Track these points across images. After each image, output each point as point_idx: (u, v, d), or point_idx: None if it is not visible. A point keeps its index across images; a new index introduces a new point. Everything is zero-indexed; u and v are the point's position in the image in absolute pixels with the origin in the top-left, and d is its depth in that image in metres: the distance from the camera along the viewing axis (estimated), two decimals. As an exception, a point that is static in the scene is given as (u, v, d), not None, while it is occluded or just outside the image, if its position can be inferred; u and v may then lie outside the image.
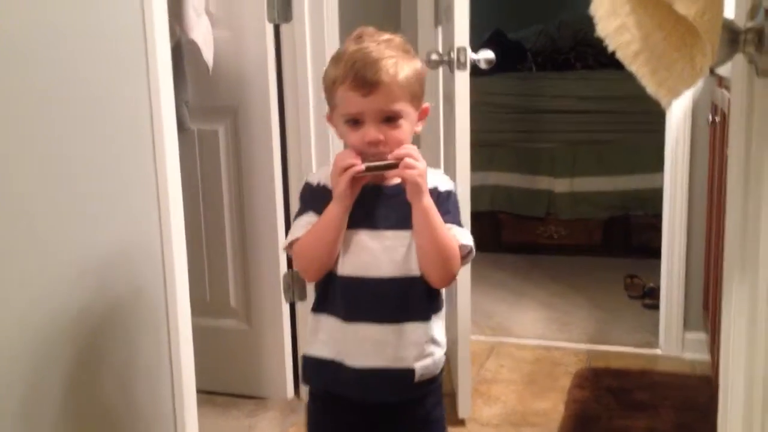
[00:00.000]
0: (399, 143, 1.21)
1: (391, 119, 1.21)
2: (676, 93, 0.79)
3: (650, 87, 0.79)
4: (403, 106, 1.21)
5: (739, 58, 0.84)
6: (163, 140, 1.58)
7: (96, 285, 1.48)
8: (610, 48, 0.79)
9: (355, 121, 1.22)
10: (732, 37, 0.78)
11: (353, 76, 1.18)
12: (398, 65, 1.20)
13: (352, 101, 1.20)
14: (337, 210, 1.23)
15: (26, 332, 1.33)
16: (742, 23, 0.83)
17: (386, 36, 1.24)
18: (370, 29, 1.26)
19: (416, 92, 1.24)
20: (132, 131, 1.56)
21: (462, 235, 1.26)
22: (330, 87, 1.24)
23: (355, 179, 1.20)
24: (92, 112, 1.46)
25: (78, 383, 1.45)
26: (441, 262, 1.23)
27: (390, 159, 1.19)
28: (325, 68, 1.27)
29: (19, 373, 1.33)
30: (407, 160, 1.18)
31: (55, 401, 1.40)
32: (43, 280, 1.36)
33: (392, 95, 1.19)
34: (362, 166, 1.19)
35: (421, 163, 1.19)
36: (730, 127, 0.91)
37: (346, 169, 1.20)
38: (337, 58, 1.24)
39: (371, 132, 1.20)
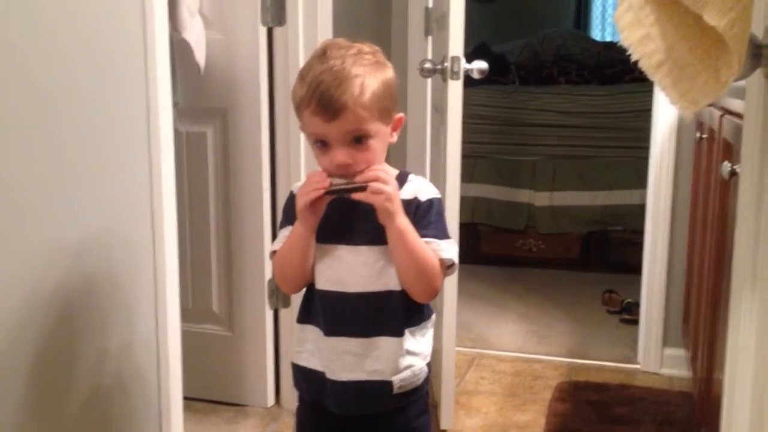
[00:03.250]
0: (369, 164, 1.18)
1: (359, 140, 1.18)
2: (697, 105, 0.79)
3: (672, 98, 0.79)
4: (372, 125, 1.17)
5: (756, 74, 0.85)
6: (159, 133, 1.58)
7: (80, 276, 1.46)
8: (633, 58, 0.79)
9: (324, 143, 1.19)
10: (754, 52, 0.78)
11: (317, 101, 1.15)
12: (364, 85, 1.15)
13: (317, 126, 1.17)
14: (300, 230, 1.22)
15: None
16: (760, 37, 0.83)
17: (354, 49, 1.18)
18: (339, 41, 1.22)
19: (386, 107, 1.20)
20: (128, 121, 1.56)
21: (443, 249, 1.23)
22: (297, 108, 1.21)
23: (318, 200, 1.18)
24: (89, 103, 1.45)
25: (50, 375, 1.41)
26: (420, 280, 1.22)
27: (357, 182, 1.17)
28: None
29: None
30: (374, 185, 1.16)
31: (26, 394, 1.37)
32: (24, 266, 1.33)
33: (358, 118, 1.15)
34: (323, 190, 1.17)
35: (389, 186, 1.16)
36: (743, 141, 0.91)
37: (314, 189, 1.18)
38: (302, 78, 1.19)
39: (339, 156, 1.17)
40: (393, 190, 1.17)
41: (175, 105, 2.10)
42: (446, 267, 1.24)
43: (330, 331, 1.26)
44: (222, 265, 2.34)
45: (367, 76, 1.16)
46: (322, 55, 1.18)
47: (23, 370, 1.34)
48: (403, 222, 1.18)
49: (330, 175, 1.19)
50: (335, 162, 1.18)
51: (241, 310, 2.34)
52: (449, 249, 1.24)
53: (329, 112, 1.14)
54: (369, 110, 1.16)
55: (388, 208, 1.17)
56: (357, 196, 1.17)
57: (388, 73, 1.22)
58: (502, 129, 4.03)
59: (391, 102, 1.22)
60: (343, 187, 1.18)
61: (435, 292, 1.24)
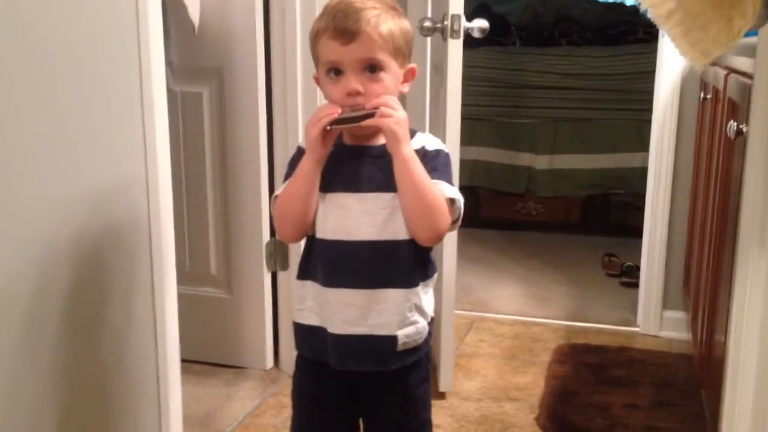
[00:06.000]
0: (379, 97, 1.18)
1: (371, 70, 1.18)
2: (709, 56, 0.75)
3: (682, 48, 0.76)
4: (385, 57, 1.18)
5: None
6: (151, 93, 1.55)
7: (73, 238, 1.44)
8: (643, 7, 0.76)
9: (337, 72, 1.19)
10: (769, 0, 0.74)
11: (334, 26, 1.17)
12: (381, 17, 1.18)
13: (332, 50, 1.18)
14: (308, 162, 1.20)
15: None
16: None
17: None
18: None
19: (400, 47, 1.21)
20: (120, 81, 1.53)
21: (449, 190, 1.22)
22: (313, 40, 1.22)
23: (328, 131, 1.18)
24: (78, 63, 1.42)
25: (45, 337, 1.41)
26: (426, 216, 1.19)
27: (366, 108, 1.17)
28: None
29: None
30: (383, 108, 1.16)
31: (20, 354, 1.36)
32: (13, 227, 1.31)
33: (373, 45, 1.17)
34: (335, 115, 1.17)
35: (398, 112, 1.16)
36: (753, 93, 0.88)
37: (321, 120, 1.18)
38: (321, 13, 1.22)
39: (351, 82, 1.18)
40: (402, 116, 1.17)
41: (169, 64, 2.06)
42: (453, 217, 1.22)
43: (330, 282, 1.24)
44: (219, 227, 2.32)
45: (384, 13, 1.19)
46: None
47: (17, 330, 1.33)
48: (410, 152, 1.18)
49: (340, 107, 1.19)
50: (347, 89, 1.18)
51: (239, 273, 2.33)
52: (454, 192, 1.23)
53: (346, 35, 1.16)
54: (384, 40, 1.18)
55: (397, 132, 1.16)
56: (366, 122, 1.17)
57: (405, 22, 1.24)
58: (503, 91, 3.98)
59: (405, 46, 1.23)
60: (352, 114, 1.17)
61: (440, 232, 1.21)
